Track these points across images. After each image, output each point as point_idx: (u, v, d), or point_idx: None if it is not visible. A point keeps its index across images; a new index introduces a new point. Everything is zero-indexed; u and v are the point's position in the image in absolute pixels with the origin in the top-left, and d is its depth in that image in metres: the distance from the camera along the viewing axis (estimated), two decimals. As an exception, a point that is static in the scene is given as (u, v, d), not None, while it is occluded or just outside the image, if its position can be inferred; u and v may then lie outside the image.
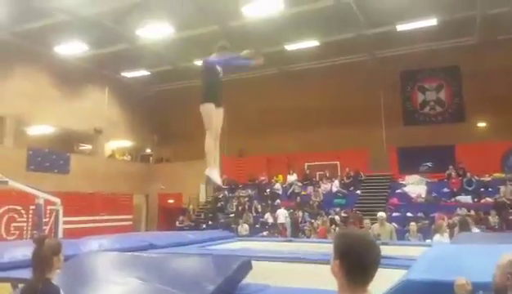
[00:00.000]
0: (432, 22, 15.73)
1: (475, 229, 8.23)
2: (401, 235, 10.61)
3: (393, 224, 11.28)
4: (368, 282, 1.80)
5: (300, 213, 16.29)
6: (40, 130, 19.95)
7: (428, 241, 8.46)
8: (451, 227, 9.09)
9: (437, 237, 8.04)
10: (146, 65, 20.65)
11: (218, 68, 5.81)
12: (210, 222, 18.10)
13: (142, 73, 21.40)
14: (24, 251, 4.28)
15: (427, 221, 13.50)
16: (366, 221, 10.35)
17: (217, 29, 16.43)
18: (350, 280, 1.78)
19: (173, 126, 23.04)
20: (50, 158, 17.86)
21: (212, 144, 5.82)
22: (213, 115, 5.69)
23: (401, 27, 16.07)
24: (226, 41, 5.88)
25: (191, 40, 17.56)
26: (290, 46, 17.96)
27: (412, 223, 9.91)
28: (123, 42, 17.92)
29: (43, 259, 2.84)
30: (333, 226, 13.36)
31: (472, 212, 13.94)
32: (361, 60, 19.42)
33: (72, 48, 17.69)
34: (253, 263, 3.93)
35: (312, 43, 17.62)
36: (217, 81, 5.81)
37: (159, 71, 21.35)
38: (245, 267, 3.81)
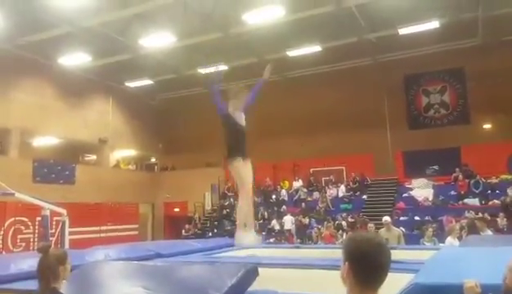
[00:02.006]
0: (434, 25, 15.69)
1: (488, 232, 8.14)
2: (410, 240, 10.47)
3: (401, 228, 11.17)
4: (377, 286, 1.73)
5: (307, 219, 16.21)
6: (45, 141, 20.09)
7: (441, 245, 8.36)
8: (459, 230, 9.00)
9: (448, 239, 8.02)
10: (150, 74, 20.75)
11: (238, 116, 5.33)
12: (216, 230, 18.05)
13: (146, 82, 21.45)
14: (30, 262, 4.26)
15: (434, 225, 13.36)
16: (370, 225, 10.12)
17: (219, 37, 16.51)
18: (358, 283, 1.71)
19: (178, 134, 23.09)
20: (55, 169, 17.96)
21: (245, 206, 5.37)
22: (242, 171, 5.31)
23: (403, 30, 16.02)
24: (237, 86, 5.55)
25: (194, 48, 17.66)
26: (292, 53, 17.95)
27: (430, 229, 9.86)
28: (126, 52, 18.02)
29: (49, 268, 2.78)
30: (339, 232, 13.29)
31: (482, 215, 13.71)
32: (364, 64, 19.43)
33: (75, 59, 17.82)
34: (260, 270, 3.90)
35: (314, 49, 17.60)
36: (239, 131, 5.40)
37: (162, 80, 21.43)
38: (252, 274, 3.77)
